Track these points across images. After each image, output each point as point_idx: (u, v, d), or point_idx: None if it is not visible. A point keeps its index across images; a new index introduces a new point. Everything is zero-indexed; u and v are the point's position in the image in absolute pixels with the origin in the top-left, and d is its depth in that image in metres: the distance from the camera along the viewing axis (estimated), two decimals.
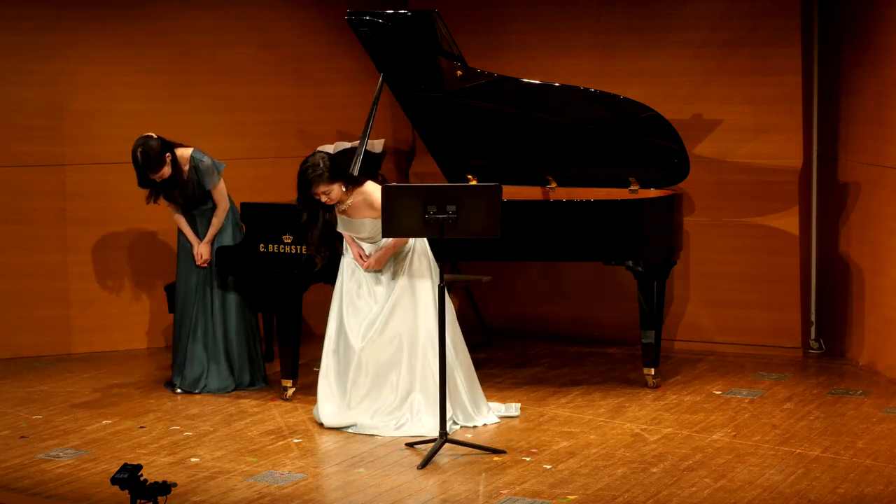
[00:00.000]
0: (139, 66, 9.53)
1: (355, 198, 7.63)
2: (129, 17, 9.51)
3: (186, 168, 8.32)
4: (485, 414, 7.76)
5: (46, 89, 9.37)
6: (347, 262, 7.74)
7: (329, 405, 7.67)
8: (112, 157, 9.45)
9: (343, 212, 7.67)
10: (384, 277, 7.66)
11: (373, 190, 7.60)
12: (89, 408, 8.14)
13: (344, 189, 7.58)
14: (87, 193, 9.49)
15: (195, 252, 8.43)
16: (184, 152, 8.34)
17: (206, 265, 8.43)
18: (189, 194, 8.37)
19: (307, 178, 7.53)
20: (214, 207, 8.43)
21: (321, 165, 7.52)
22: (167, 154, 8.22)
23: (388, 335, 7.60)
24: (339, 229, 7.72)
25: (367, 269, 7.65)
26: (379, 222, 7.40)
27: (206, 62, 9.63)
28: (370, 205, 7.59)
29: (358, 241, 7.74)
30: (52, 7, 9.34)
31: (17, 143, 9.35)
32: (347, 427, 7.60)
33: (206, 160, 8.33)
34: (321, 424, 7.68)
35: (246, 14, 9.79)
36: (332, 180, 7.52)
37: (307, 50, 9.94)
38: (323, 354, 7.77)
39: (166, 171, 8.24)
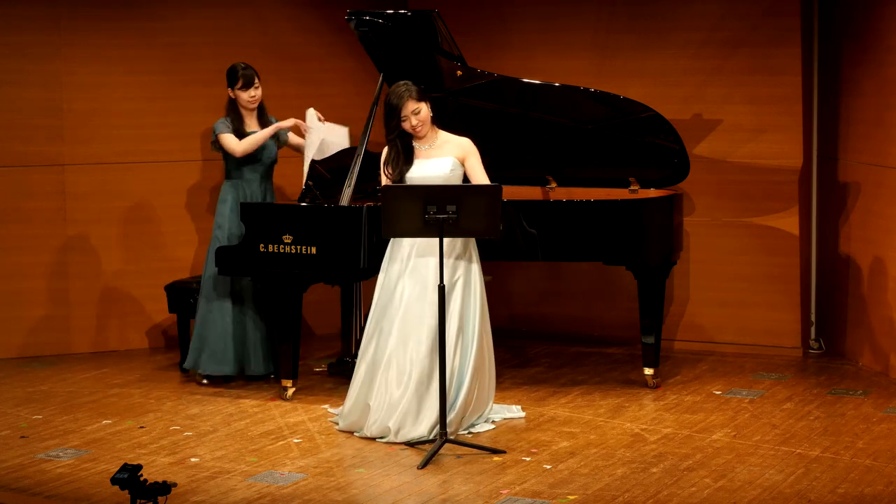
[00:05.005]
0: (139, 66, 9.52)
1: (440, 138, 7.52)
2: (128, 17, 9.50)
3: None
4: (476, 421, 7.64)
5: (46, 89, 9.36)
6: (397, 267, 7.49)
7: (354, 411, 7.52)
8: (112, 157, 9.46)
9: (420, 152, 7.49)
10: (430, 280, 7.34)
11: (448, 133, 7.57)
12: (89, 408, 8.14)
13: (430, 113, 7.45)
14: (87, 193, 9.48)
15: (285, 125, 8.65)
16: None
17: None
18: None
19: (399, 93, 7.36)
20: (272, 166, 8.69)
21: (412, 85, 7.41)
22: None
23: (431, 338, 7.34)
24: (410, 175, 7.43)
25: None
26: (460, 167, 7.45)
27: (206, 62, 9.62)
28: (454, 142, 7.48)
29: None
30: (51, 7, 9.33)
31: (17, 143, 9.34)
32: (381, 437, 7.41)
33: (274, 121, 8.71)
34: (336, 423, 7.65)
35: (246, 14, 9.78)
36: (420, 99, 7.40)
37: (307, 50, 9.94)
38: (359, 357, 7.59)
39: (260, 92, 8.60)
